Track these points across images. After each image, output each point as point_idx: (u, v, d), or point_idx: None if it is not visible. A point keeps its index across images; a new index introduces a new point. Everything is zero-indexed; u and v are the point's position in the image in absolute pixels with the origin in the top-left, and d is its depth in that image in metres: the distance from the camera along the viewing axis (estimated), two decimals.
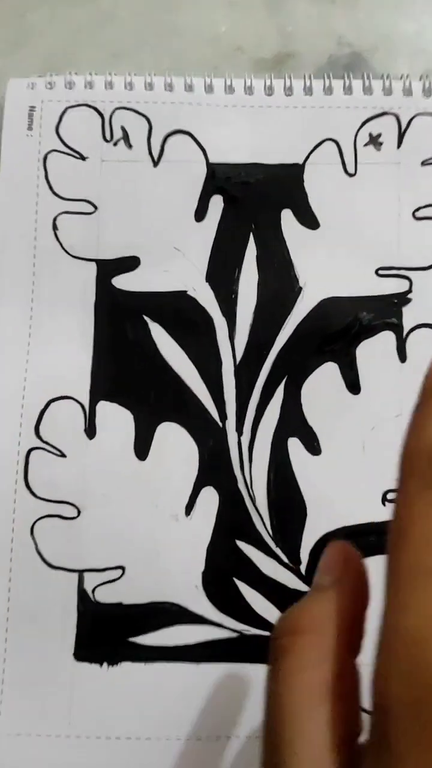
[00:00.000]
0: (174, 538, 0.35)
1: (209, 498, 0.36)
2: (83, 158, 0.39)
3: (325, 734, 0.17)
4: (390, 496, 0.35)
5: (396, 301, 0.37)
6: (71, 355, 0.37)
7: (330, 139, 0.38)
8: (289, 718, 0.17)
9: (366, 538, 0.35)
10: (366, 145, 0.38)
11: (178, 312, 0.37)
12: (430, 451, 0.17)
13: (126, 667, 0.34)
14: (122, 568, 0.35)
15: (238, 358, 0.37)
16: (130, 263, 0.38)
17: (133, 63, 0.39)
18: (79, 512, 0.35)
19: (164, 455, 0.36)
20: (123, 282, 0.37)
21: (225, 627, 0.34)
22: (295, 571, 0.35)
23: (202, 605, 0.35)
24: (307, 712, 0.17)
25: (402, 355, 0.37)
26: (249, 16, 0.40)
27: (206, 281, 0.37)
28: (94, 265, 0.38)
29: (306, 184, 0.38)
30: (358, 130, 0.38)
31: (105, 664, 0.34)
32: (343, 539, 0.22)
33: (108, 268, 0.38)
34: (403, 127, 0.38)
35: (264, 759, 0.18)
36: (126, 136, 0.39)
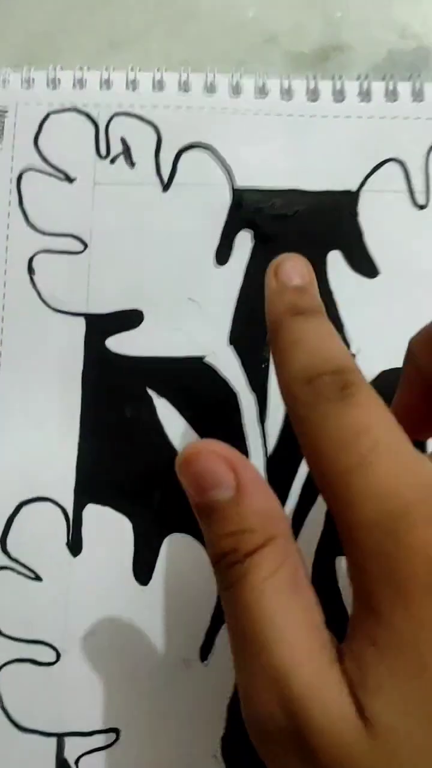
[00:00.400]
0: (185, 691, 0.27)
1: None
2: (70, 180, 0.30)
3: (304, 619, 0.18)
4: None
5: None
6: (50, 441, 0.28)
7: (394, 160, 0.30)
8: (270, 618, 0.18)
9: None
10: None
11: (193, 384, 0.29)
12: (302, 377, 0.19)
13: None
14: (116, 731, 0.27)
15: (270, 448, 0.28)
16: (129, 319, 0.29)
17: (136, 55, 0.30)
18: (58, 656, 0.27)
19: (173, 579, 0.28)
20: (120, 344, 0.29)
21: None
22: None
23: None
24: (284, 610, 0.18)
25: None
26: None
27: (229, 344, 0.29)
28: (82, 320, 0.29)
29: (361, 218, 0.30)
30: (431, 149, 0.30)
31: None
32: None
33: (101, 326, 0.29)
34: None
35: (244, 669, 0.18)
36: (127, 151, 0.30)
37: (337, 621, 0.23)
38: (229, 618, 0.19)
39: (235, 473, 0.19)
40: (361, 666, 0.17)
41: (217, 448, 0.20)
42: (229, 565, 0.19)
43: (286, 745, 0.17)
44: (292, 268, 0.23)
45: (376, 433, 0.18)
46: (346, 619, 0.18)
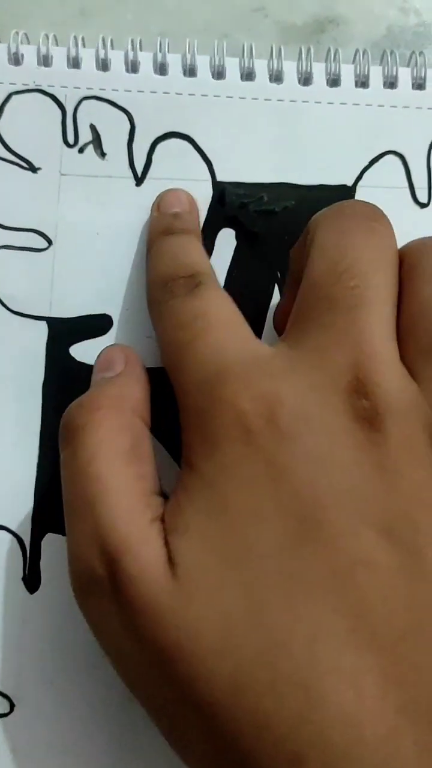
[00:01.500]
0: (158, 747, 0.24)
1: None
2: (34, 169, 0.27)
3: (135, 484, 0.19)
4: None
5: None
6: (6, 460, 0.25)
7: (393, 153, 0.27)
8: (100, 477, 0.19)
9: None
10: None
11: (166, 399, 0.25)
12: (159, 282, 0.23)
13: None
14: None
15: None
16: (97, 325, 0.26)
17: (108, 25, 0.27)
18: (12, 706, 0.24)
19: None
20: (86, 352, 0.26)
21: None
22: None
23: None
24: (116, 472, 0.19)
25: None
26: None
27: None
28: (44, 325, 0.26)
29: None
30: None
31: None
32: None
33: (65, 331, 0.26)
34: None
35: (71, 522, 0.19)
36: (97, 139, 0.27)
37: None
38: (63, 479, 0.20)
39: (126, 362, 0.22)
40: (173, 513, 0.18)
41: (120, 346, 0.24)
42: (67, 425, 0.20)
43: (103, 596, 0.18)
44: (172, 198, 0.25)
45: (212, 315, 0.20)
46: None
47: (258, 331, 0.26)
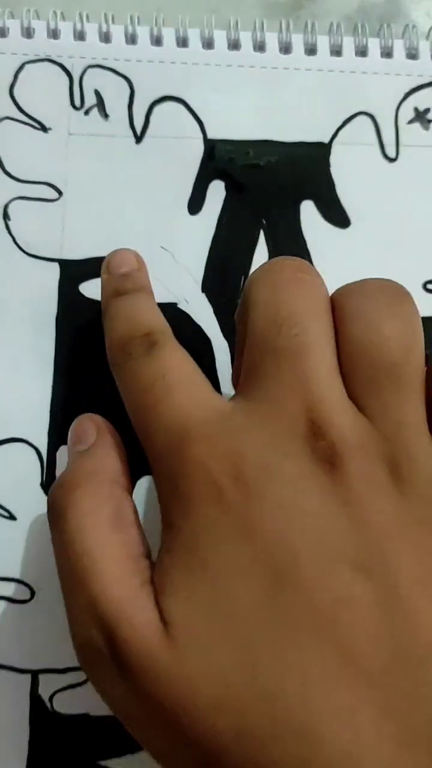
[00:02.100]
0: None
1: None
2: (45, 129, 0.30)
3: (122, 552, 0.20)
4: None
5: None
6: (24, 383, 0.29)
7: (364, 113, 0.30)
8: (88, 551, 0.20)
9: None
10: (410, 122, 0.30)
11: None
12: (117, 345, 0.24)
13: None
14: None
15: None
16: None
17: (109, 3, 0.31)
18: (32, 593, 0.27)
19: (149, 519, 0.28)
20: (94, 289, 0.29)
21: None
22: None
23: None
24: (102, 543, 0.20)
25: None
26: None
27: (202, 291, 0.29)
28: (56, 266, 0.29)
29: (333, 170, 0.30)
30: (401, 104, 0.31)
31: None
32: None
33: (75, 272, 0.29)
34: None
35: (68, 599, 0.20)
36: (101, 103, 0.30)
37: None
38: (55, 559, 0.21)
39: (97, 432, 0.23)
40: (160, 574, 0.19)
41: (90, 415, 0.24)
42: (52, 506, 0.21)
43: (105, 664, 0.19)
44: (120, 259, 0.26)
45: (171, 377, 0.21)
46: None
47: (240, 283, 0.29)
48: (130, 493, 0.22)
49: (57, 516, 0.21)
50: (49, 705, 0.27)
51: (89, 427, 0.23)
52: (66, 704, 0.27)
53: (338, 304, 0.21)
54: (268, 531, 0.18)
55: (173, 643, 0.18)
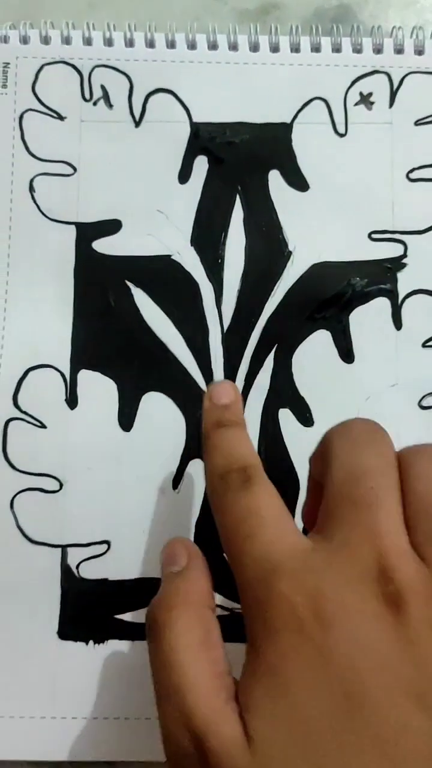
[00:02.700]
0: (161, 513, 0.34)
1: (198, 471, 0.35)
2: (61, 118, 0.37)
3: (211, 670, 0.22)
4: None
5: (390, 266, 0.36)
6: (50, 322, 0.35)
7: (319, 98, 0.37)
8: (182, 667, 0.22)
9: None
10: (357, 104, 0.37)
11: (163, 277, 0.36)
12: (217, 475, 0.25)
13: (112, 645, 0.33)
14: (107, 542, 0.34)
15: (226, 325, 0.36)
16: (111, 227, 0.36)
17: (112, 14, 0.38)
18: (61, 485, 0.34)
19: (150, 427, 0.35)
20: (104, 246, 0.36)
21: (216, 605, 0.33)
22: None
23: None
24: (193, 660, 0.22)
25: (397, 323, 0.36)
26: None
27: (191, 245, 0.36)
28: (73, 228, 0.36)
29: (294, 145, 0.37)
30: (348, 89, 0.37)
31: (90, 643, 0.33)
32: None
33: (88, 232, 0.36)
34: (395, 85, 0.37)
35: (161, 707, 0.22)
36: (106, 95, 0.37)
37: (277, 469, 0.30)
38: (151, 669, 0.23)
39: (188, 555, 0.25)
40: (245, 693, 0.21)
41: (181, 539, 0.26)
42: (151, 623, 0.24)
43: None
44: (221, 390, 0.29)
45: (263, 513, 0.23)
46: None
47: (221, 239, 0.36)
48: (215, 612, 0.25)
49: (155, 633, 0.23)
50: (76, 572, 0.34)
51: (181, 549, 0.26)
52: (89, 571, 0.34)
53: (405, 463, 0.23)
54: (342, 660, 0.20)
55: (256, 757, 0.20)
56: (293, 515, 0.33)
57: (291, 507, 0.34)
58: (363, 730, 0.19)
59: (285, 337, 0.35)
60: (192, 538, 0.34)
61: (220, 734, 0.21)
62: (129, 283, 0.36)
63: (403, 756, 0.19)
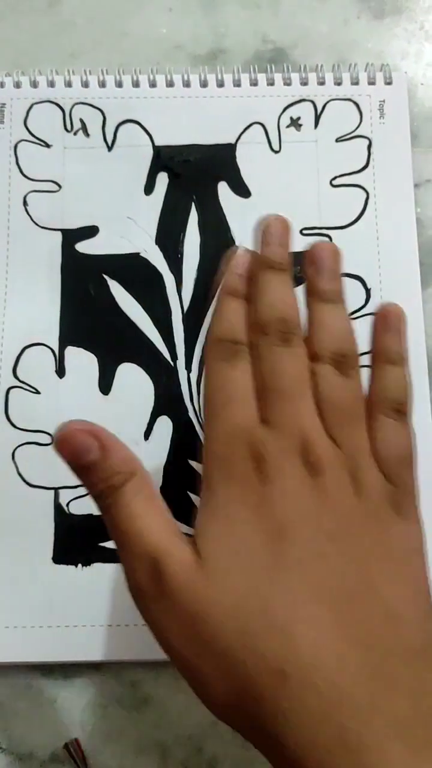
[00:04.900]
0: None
1: (164, 426, 0.42)
2: (48, 146, 0.45)
3: (160, 516, 0.27)
4: None
5: None
6: (42, 309, 0.43)
7: (257, 123, 0.45)
8: (136, 518, 0.26)
9: None
10: (288, 126, 0.45)
11: (133, 271, 0.44)
12: (215, 338, 0.30)
13: (97, 567, 0.40)
14: None
15: (185, 307, 0.43)
16: (90, 231, 0.44)
17: (88, 61, 0.46)
18: (53, 439, 0.42)
19: (124, 391, 0.42)
20: (85, 247, 0.44)
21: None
22: None
23: None
24: (144, 512, 0.27)
25: None
26: (186, 19, 0.47)
27: (156, 244, 0.44)
28: (59, 234, 0.44)
29: (238, 161, 0.45)
30: (281, 115, 0.45)
31: (79, 566, 0.40)
32: None
33: (72, 236, 0.44)
34: (319, 110, 0.45)
35: (124, 556, 0.27)
36: (84, 127, 0.45)
37: None
38: (110, 530, 0.27)
39: (98, 439, 0.27)
40: (199, 523, 0.27)
41: (81, 425, 0.27)
42: (107, 496, 0.27)
43: (154, 596, 0.26)
44: (242, 257, 0.32)
45: (239, 387, 0.29)
46: None
47: (180, 238, 0.44)
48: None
49: (110, 504, 0.27)
50: (66, 509, 0.41)
51: (84, 436, 0.28)
52: (77, 508, 0.41)
53: (315, 374, 0.29)
54: (276, 507, 0.26)
55: (204, 570, 0.25)
56: None
57: None
58: (288, 553, 0.25)
59: None
60: (161, 480, 0.41)
61: (175, 558, 0.26)
62: (105, 276, 0.44)
63: (319, 573, 0.25)
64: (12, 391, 0.42)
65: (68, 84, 0.46)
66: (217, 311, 0.31)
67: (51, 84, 0.46)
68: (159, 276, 0.44)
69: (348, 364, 0.29)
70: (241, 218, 0.44)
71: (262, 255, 0.31)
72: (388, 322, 0.31)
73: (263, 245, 0.32)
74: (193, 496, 0.41)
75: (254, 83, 0.46)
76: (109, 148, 0.45)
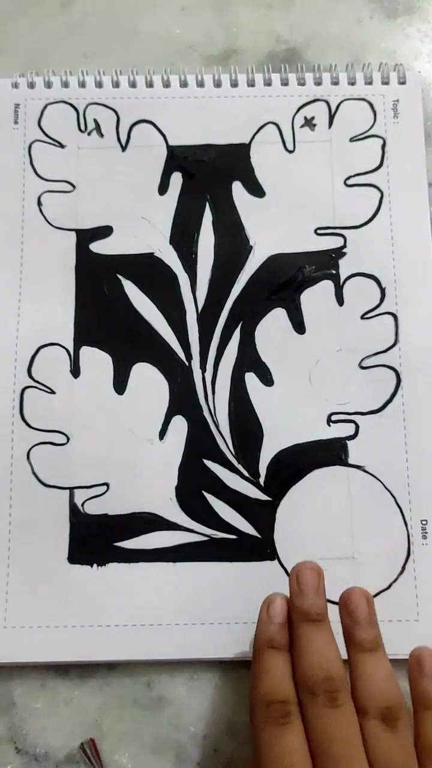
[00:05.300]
0: (150, 459, 0.41)
1: (179, 425, 0.42)
2: (62, 146, 0.45)
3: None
4: (333, 418, 0.42)
5: (333, 255, 0.44)
6: (57, 309, 0.43)
7: (271, 123, 0.45)
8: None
9: (313, 453, 0.41)
10: (302, 126, 0.45)
11: (147, 270, 0.44)
12: (263, 699, 0.32)
13: (112, 567, 0.40)
14: (107, 484, 0.41)
15: (200, 307, 0.43)
16: (104, 231, 0.44)
17: (100, 61, 0.46)
18: (68, 439, 0.42)
19: (139, 390, 0.42)
20: (99, 247, 0.44)
21: (196, 532, 0.41)
22: (255, 484, 0.41)
23: (176, 514, 0.41)
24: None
25: (340, 300, 0.43)
26: (199, 19, 0.47)
27: (170, 244, 0.44)
28: (73, 234, 0.44)
29: (252, 160, 0.45)
30: (295, 114, 0.45)
31: (95, 566, 0.40)
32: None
33: (86, 236, 0.44)
34: (333, 110, 0.45)
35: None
36: (98, 127, 0.46)
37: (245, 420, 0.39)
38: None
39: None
40: None
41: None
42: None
43: None
44: (276, 607, 0.34)
45: (295, 757, 0.30)
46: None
47: (194, 238, 0.44)
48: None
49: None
50: (81, 509, 0.41)
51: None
52: (92, 507, 0.41)
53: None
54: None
55: None
56: (257, 460, 0.41)
57: (257, 452, 0.41)
58: None
59: (248, 314, 0.43)
60: (176, 479, 0.41)
61: None
62: (120, 276, 0.44)
63: None
64: (27, 391, 0.42)
65: (82, 84, 0.46)
66: (260, 667, 0.33)
67: (65, 84, 0.46)
68: (173, 276, 0.44)
69: (394, 716, 0.31)
70: (256, 218, 0.44)
71: (299, 606, 0.33)
72: (423, 668, 0.34)
73: (298, 595, 0.34)
74: (208, 496, 0.41)
75: (268, 83, 0.46)
76: (123, 149, 0.45)
